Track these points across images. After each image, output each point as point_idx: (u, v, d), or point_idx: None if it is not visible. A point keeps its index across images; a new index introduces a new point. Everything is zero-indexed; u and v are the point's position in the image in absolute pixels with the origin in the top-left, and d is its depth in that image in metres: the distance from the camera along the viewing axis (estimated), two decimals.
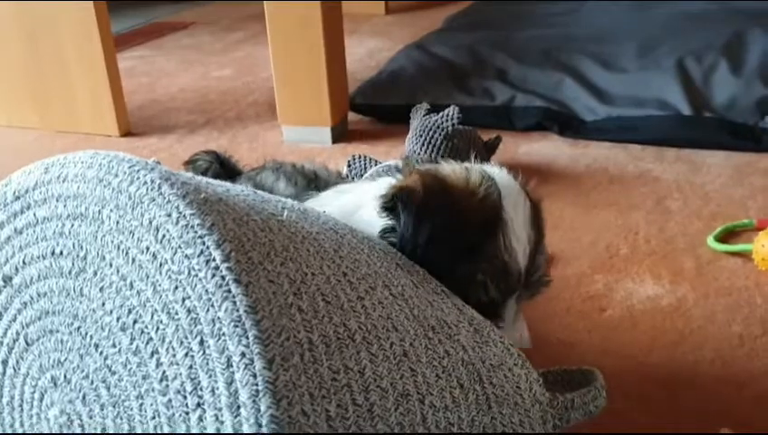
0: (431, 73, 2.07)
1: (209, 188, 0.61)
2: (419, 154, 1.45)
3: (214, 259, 0.54)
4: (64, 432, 0.61)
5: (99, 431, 0.58)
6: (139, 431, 0.55)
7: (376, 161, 1.48)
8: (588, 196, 1.47)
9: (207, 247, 0.54)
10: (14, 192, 0.64)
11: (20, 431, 0.65)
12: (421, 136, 1.46)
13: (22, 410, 0.65)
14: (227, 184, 0.69)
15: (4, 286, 0.65)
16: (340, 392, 0.53)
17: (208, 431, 0.51)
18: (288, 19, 1.70)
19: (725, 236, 1.26)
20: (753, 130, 1.68)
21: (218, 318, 0.52)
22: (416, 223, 0.73)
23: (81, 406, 0.60)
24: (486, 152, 1.55)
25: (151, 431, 0.54)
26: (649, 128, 1.71)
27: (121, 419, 0.57)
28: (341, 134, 1.83)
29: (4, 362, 0.66)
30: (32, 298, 0.64)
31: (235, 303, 0.52)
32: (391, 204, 0.74)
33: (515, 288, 0.75)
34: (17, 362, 0.65)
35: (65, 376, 0.61)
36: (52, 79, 1.92)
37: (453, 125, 1.46)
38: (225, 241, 0.54)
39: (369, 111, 1.93)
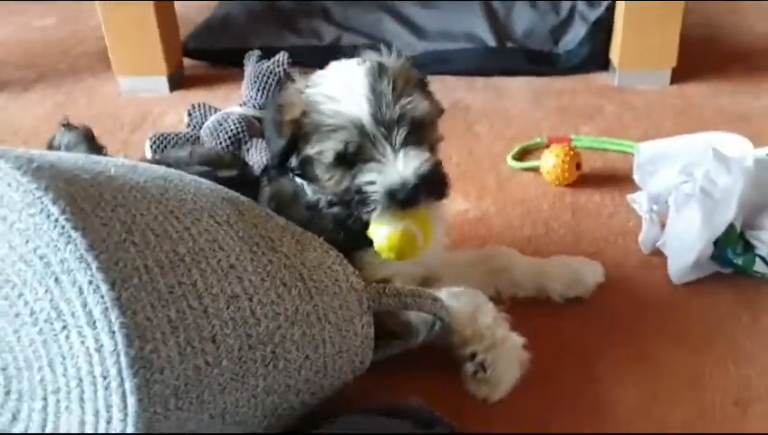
0: (260, 16, 2.16)
1: (41, 158, 0.73)
2: (255, 99, 1.55)
3: (53, 213, 0.67)
4: None
5: None
6: (21, 358, 0.68)
7: (215, 109, 1.58)
8: None
9: (45, 205, 0.67)
10: None
11: None
12: (255, 82, 1.57)
13: None
14: (59, 153, 0.81)
15: None
16: (178, 301, 0.69)
17: (75, 347, 0.65)
18: None
19: (522, 155, 1.50)
20: (549, 56, 1.92)
21: (65, 259, 0.65)
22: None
23: None
24: None
25: (30, 356, 0.67)
26: (461, 60, 1.91)
27: (4, 350, 0.69)
28: (178, 82, 1.89)
29: None
30: None
31: (76, 244, 0.66)
32: None
33: (366, 136, 0.87)
34: None
35: None
36: None
37: (284, 70, 1.57)
38: (59, 198, 0.67)
39: (203, 55, 2.00)
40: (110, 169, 0.76)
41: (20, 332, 0.68)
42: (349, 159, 0.89)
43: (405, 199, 0.87)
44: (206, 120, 1.55)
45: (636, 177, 1.25)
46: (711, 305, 1.07)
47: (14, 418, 0.69)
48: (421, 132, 0.92)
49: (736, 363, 0.97)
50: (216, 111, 1.56)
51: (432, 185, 0.89)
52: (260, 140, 1.45)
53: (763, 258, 1.09)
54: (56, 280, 0.65)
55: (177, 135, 1.49)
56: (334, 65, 0.96)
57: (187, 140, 1.48)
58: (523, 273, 1.05)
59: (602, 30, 1.88)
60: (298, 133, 0.92)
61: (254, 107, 1.55)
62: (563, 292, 1.06)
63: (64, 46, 2.20)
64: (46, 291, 0.66)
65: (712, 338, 1.02)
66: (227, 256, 0.76)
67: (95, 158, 0.83)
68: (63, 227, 0.65)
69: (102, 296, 0.64)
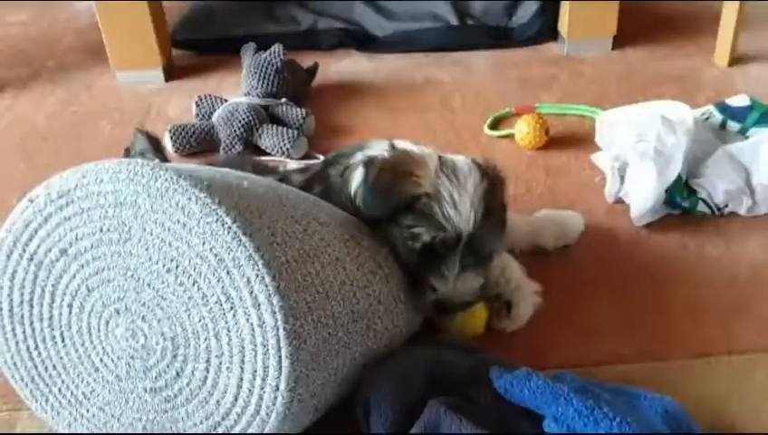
0: (240, 5, 2.30)
1: (207, 173, 0.93)
2: (257, 89, 1.74)
3: (227, 222, 0.85)
4: (130, 343, 0.92)
5: (158, 337, 0.90)
6: (189, 330, 0.88)
7: (221, 99, 1.75)
8: (392, 103, 1.86)
9: (220, 216, 0.86)
10: (58, 192, 0.91)
11: (90, 348, 0.95)
12: (255, 73, 1.75)
13: (90, 334, 0.95)
14: (213, 168, 1.01)
15: (61, 256, 0.93)
16: (310, 287, 0.88)
17: (241, 323, 0.86)
18: None
19: (496, 124, 1.73)
20: (505, 30, 2.15)
21: (237, 256, 0.85)
22: (368, 186, 1.06)
23: (142, 322, 0.92)
24: (308, 76, 1.89)
25: (198, 329, 0.87)
26: (427, 38, 2.13)
27: (174, 324, 0.89)
28: (171, 73, 2.04)
29: (70, 305, 0.95)
30: (87, 261, 0.92)
31: (245, 246, 0.85)
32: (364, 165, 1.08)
33: (454, 244, 1.01)
34: (81, 304, 0.94)
35: (126, 306, 0.92)
36: None
37: (281, 60, 1.76)
38: (230, 210, 0.86)
39: (191, 45, 2.15)
40: (242, 183, 0.94)
41: (191, 311, 0.88)
42: (430, 251, 1.03)
43: (445, 310, 1.06)
44: (213, 109, 1.73)
45: (598, 140, 1.51)
46: (666, 240, 1.34)
47: (178, 375, 0.90)
48: (486, 263, 1.08)
49: (689, 285, 1.24)
50: (221, 101, 1.74)
51: (470, 302, 1.07)
52: (270, 126, 1.64)
53: (704, 200, 1.37)
54: (227, 272, 0.85)
55: (193, 126, 1.66)
56: (465, 168, 1.04)
57: (203, 130, 1.65)
58: (520, 232, 1.27)
59: (551, 3, 2.11)
60: (403, 198, 1.03)
61: (258, 96, 1.73)
62: (554, 244, 1.30)
63: (47, 42, 2.29)
64: (218, 280, 0.86)
65: (668, 266, 1.28)
66: (333, 251, 0.96)
67: (223, 171, 1.01)
68: (236, 233, 0.84)
69: (267, 286, 0.84)
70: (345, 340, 0.93)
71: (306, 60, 1.93)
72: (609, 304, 1.21)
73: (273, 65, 1.75)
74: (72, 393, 0.97)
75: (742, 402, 1.02)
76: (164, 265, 0.88)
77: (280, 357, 0.85)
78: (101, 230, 0.90)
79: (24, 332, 0.97)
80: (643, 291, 1.23)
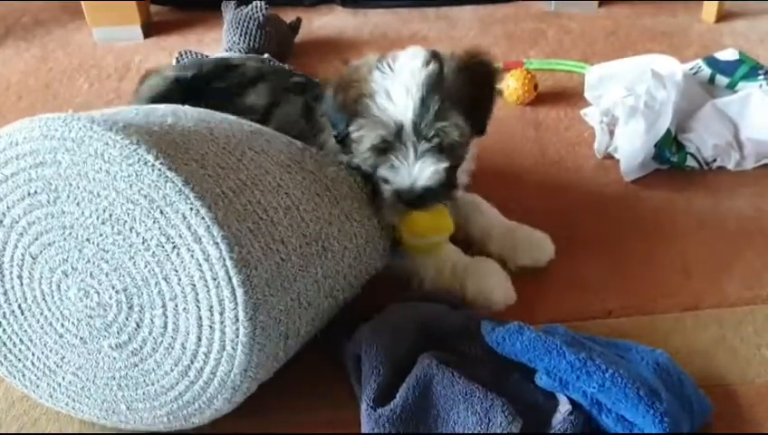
0: None
1: (121, 116, 0.89)
2: (239, 44, 1.70)
3: (149, 161, 0.83)
4: (85, 302, 0.90)
5: (110, 292, 0.88)
6: (138, 278, 0.86)
7: (202, 55, 1.71)
8: None
9: (141, 155, 0.83)
10: None
11: (49, 315, 0.93)
12: (237, 28, 1.71)
13: (45, 300, 0.93)
14: (130, 108, 0.98)
15: None
16: (252, 215, 0.87)
17: (186, 261, 0.84)
18: None
19: None
20: None
21: (167, 194, 0.83)
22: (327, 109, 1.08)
23: (91, 279, 0.89)
24: (291, 32, 1.84)
25: (146, 275, 0.85)
26: None
27: (122, 275, 0.87)
28: (150, 29, 1.99)
29: (20, 277, 0.93)
30: (24, 229, 0.90)
31: (173, 181, 0.83)
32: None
33: (397, 135, 1.00)
34: (29, 273, 0.92)
35: (72, 266, 0.90)
36: None
37: (263, 15, 1.71)
38: (151, 148, 0.83)
39: (170, 1, 2.09)
40: (167, 120, 0.92)
41: (135, 258, 0.86)
42: (379, 150, 1.03)
43: (408, 202, 1.03)
44: None
45: (587, 95, 1.49)
46: (655, 195, 1.33)
47: (138, 326, 0.88)
48: (447, 150, 1.03)
49: (677, 240, 1.24)
50: (202, 57, 1.69)
51: (438, 193, 1.03)
52: None
53: (692, 155, 1.36)
54: (161, 211, 0.83)
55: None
56: (405, 57, 1.04)
57: None
58: (495, 237, 1.18)
59: None
60: (353, 108, 1.04)
61: (240, 51, 1.69)
62: (521, 263, 1.16)
63: None
64: (154, 221, 0.83)
65: (657, 220, 1.28)
66: (274, 178, 0.94)
67: (145, 108, 0.98)
68: (160, 170, 0.82)
69: (203, 218, 0.82)
70: (300, 263, 0.91)
71: (289, 15, 1.89)
72: (599, 259, 1.20)
73: (255, 20, 1.71)
74: (44, 364, 0.95)
75: (731, 355, 1.03)
76: (98, 217, 0.86)
77: (232, 287, 0.83)
78: (29, 194, 0.88)
79: None
80: (632, 246, 1.23)
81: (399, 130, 1.01)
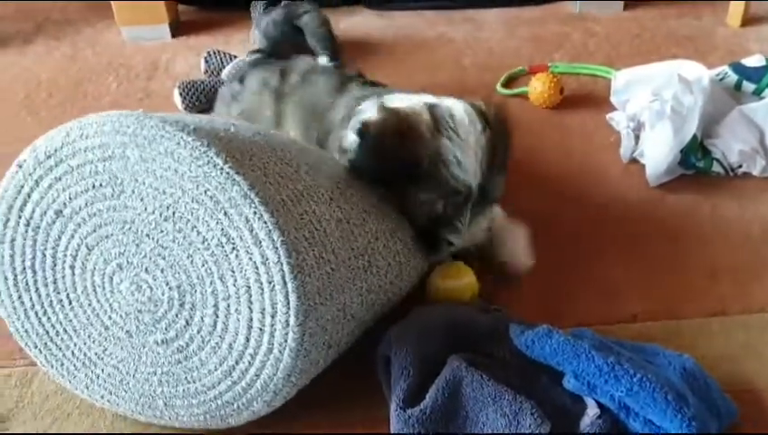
0: None
1: (192, 120, 0.92)
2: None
3: (218, 163, 0.85)
4: (136, 296, 0.92)
5: (163, 288, 0.90)
6: (194, 276, 0.88)
7: (230, 55, 1.73)
8: (403, 62, 1.84)
9: (211, 157, 0.85)
10: (45, 153, 0.90)
11: (97, 307, 0.95)
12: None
13: (95, 292, 0.95)
14: (198, 115, 0.99)
15: (57, 218, 0.93)
16: (308, 225, 0.89)
17: (244, 263, 0.86)
18: None
19: (509, 83, 1.71)
20: None
21: (232, 197, 0.85)
22: (364, 153, 1.04)
23: (146, 274, 0.91)
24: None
25: (202, 274, 0.87)
26: None
27: (178, 272, 0.89)
28: (178, 28, 2.01)
29: (72, 267, 0.95)
30: (83, 220, 0.92)
31: (240, 185, 0.85)
32: (359, 132, 1.05)
33: (467, 202, 1.03)
34: (83, 263, 0.94)
35: (128, 260, 0.91)
36: None
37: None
38: (220, 151, 0.86)
39: (197, 1, 2.11)
40: (230, 127, 0.94)
41: (193, 257, 0.88)
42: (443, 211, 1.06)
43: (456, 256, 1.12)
44: (222, 65, 1.71)
45: (613, 99, 1.50)
46: (680, 201, 1.34)
47: (187, 323, 0.90)
48: (494, 200, 1.10)
49: (703, 245, 1.24)
50: (230, 57, 1.72)
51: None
52: None
53: (718, 160, 1.36)
54: (225, 213, 0.85)
55: (203, 82, 1.64)
56: (465, 123, 1.02)
57: (213, 86, 1.63)
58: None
59: None
60: (412, 165, 1.02)
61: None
62: (499, 259, 1.18)
63: None
64: (217, 222, 0.85)
65: (683, 225, 1.29)
66: (326, 191, 0.96)
67: (206, 117, 1.00)
68: (228, 173, 0.84)
69: (265, 222, 0.84)
70: (348, 275, 0.93)
71: None
72: (626, 264, 1.21)
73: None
74: (84, 355, 0.97)
75: (758, 360, 1.03)
76: (161, 214, 0.88)
77: (287, 292, 0.85)
78: (94, 187, 0.90)
79: (30, 299, 0.97)
80: (658, 251, 1.24)
81: (468, 195, 1.04)
